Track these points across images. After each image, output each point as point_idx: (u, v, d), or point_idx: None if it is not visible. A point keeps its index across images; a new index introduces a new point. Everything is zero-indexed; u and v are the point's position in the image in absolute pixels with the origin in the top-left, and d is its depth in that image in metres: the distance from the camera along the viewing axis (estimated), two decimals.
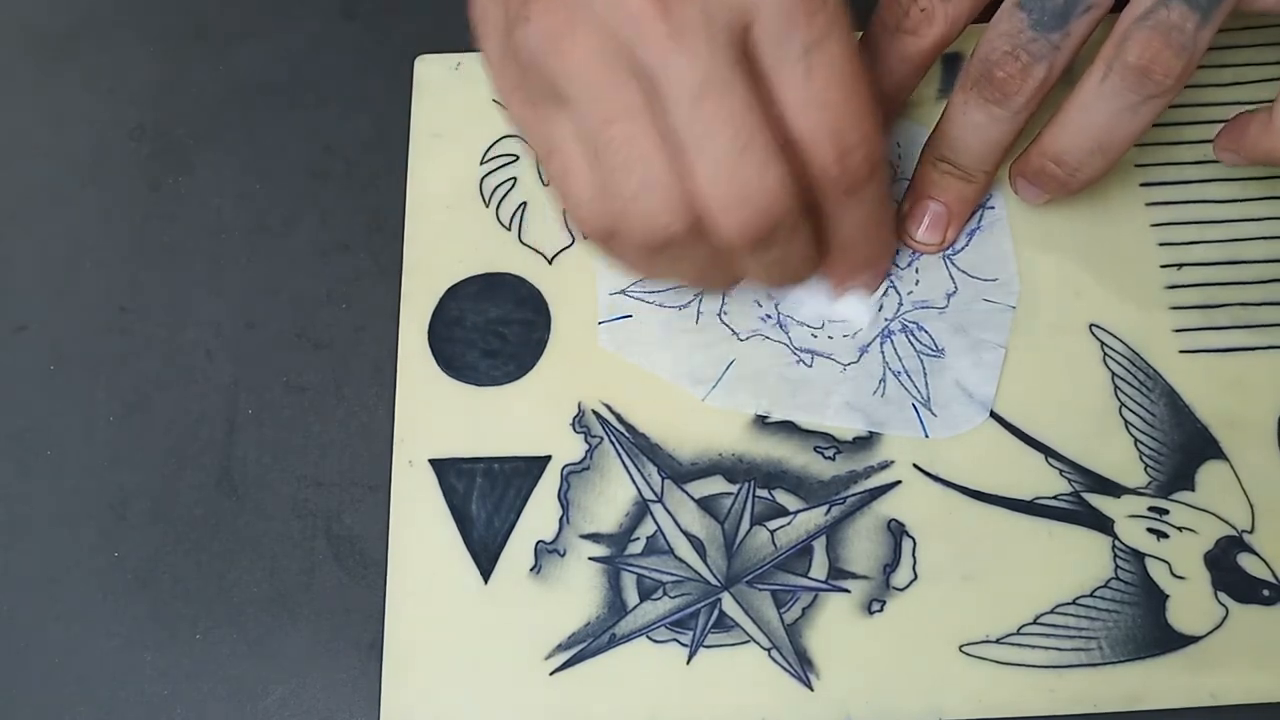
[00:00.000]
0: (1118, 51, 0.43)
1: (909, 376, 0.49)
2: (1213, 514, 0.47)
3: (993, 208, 0.52)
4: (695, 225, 0.41)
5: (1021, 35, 0.44)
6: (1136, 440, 0.48)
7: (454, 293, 0.52)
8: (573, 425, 0.49)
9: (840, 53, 0.40)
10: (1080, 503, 0.47)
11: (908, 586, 0.47)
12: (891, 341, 0.50)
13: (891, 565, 0.47)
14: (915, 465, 0.48)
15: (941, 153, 0.49)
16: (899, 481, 0.48)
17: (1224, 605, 0.46)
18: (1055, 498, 0.47)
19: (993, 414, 0.49)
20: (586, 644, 0.46)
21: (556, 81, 0.40)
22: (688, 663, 0.46)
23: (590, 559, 0.47)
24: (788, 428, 0.49)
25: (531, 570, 0.47)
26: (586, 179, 0.41)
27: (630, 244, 0.42)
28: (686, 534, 0.48)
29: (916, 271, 0.51)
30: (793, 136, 0.41)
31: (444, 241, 0.53)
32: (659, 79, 0.38)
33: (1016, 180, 0.49)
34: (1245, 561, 0.46)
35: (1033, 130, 0.47)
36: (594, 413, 0.49)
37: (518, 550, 0.48)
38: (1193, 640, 0.46)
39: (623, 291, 0.51)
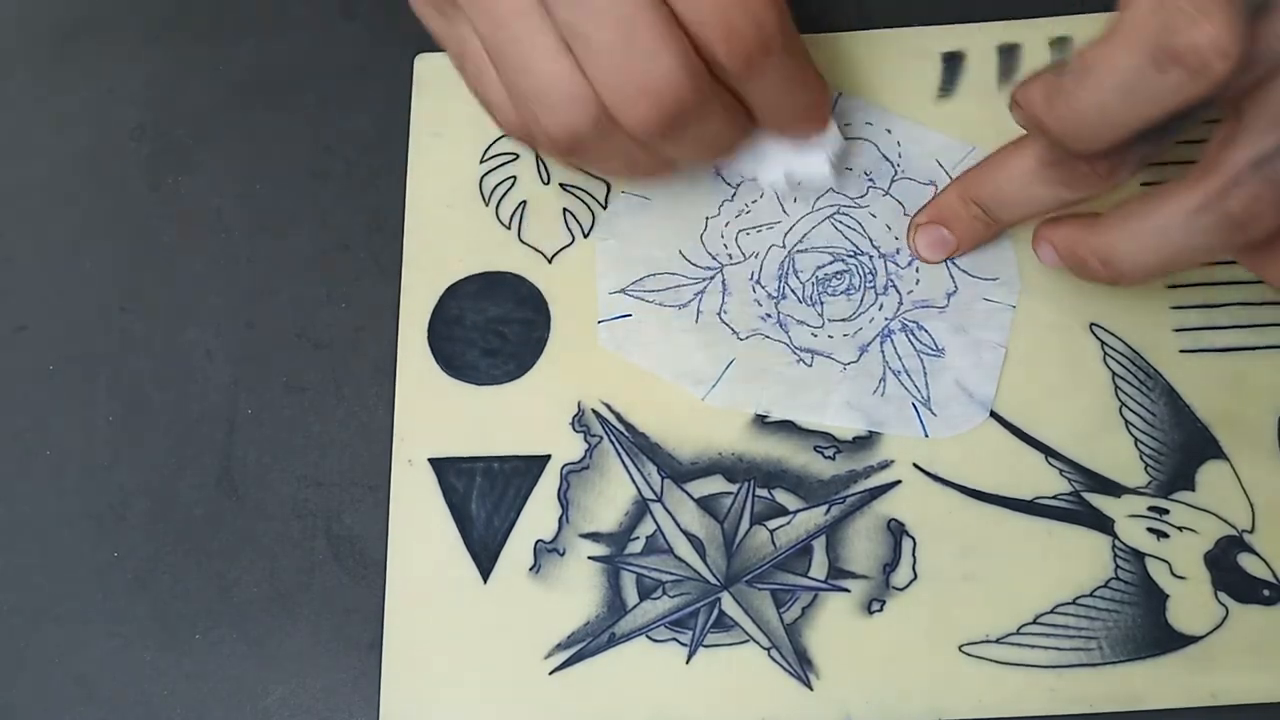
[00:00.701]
0: (1221, 195, 0.40)
1: (909, 376, 0.50)
2: (1213, 514, 0.47)
3: None
4: (602, 121, 0.42)
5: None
6: (1137, 440, 0.48)
7: (454, 291, 0.52)
8: (572, 424, 0.50)
9: None
10: (1080, 502, 0.48)
11: (907, 586, 0.47)
12: (891, 341, 0.50)
13: (891, 565, 0.47)
14: (915, 465, 0.48)
15: (980, 196, 0.48)
16: (899, 481, 0.48)
17: (1224, 605, 0.46)
18: (1055, 497, 0.48)
19: (993, 414, 0.49)
20: (586, 643, 0.47)
21: None
22: (687, 662, 0.47)
23: (590, 558, 0.48)
24: (787, 427, 0.49)
25: (531, 569, 0.48)
26: (495, 80, 0.43)
27: (546, 141, 0.43)
28: (686, 533, 0.48)
29: (916, 271, 0.51)
30: (685, 27, 0.40)
31: (444, 240, 0.53)
32: None
33: (1044, 245, 0.46)
34: (1245, 561, 0.47)
35: None
36: (593, 412, 0.50)
37: (517, 549, 0.48)
38: (1193, 640, 0.46)
39: (623, 290, 0.51)
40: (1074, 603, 0.46)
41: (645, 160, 0.46)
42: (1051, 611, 0.46)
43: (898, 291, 0.51)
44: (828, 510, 0.48)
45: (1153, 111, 0.39)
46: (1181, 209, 0.41)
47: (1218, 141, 0.41)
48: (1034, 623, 0.46)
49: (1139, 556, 0.47)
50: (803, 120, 0.48)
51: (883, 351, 0.50)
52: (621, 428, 0.49)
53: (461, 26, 0.43)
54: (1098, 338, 0.50)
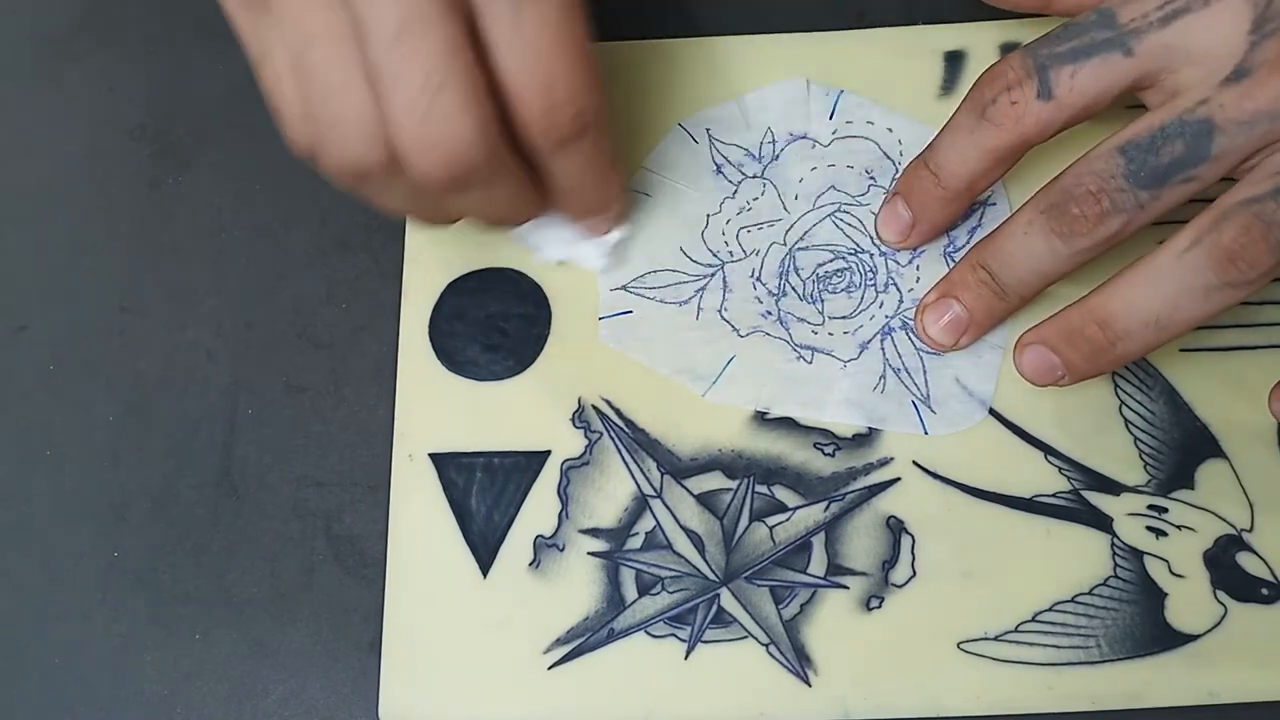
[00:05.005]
0: (1212, 227, 0.44)
1: (909, 373, 0.52)
2: (1212, 513, 0.49)
3: (994, 204, 0.54)
4: (391, 160, 0.41)
5: (1112, 181, 0.45)
6: (1136, 438, 0.50)
7: (455, 287, 0.54)
8: (572, 420, 0.51)
9: (555, 4, 0.40)
10: (1079, 500, 0.50)
11: (906, 583, 0.49)
12: (892, 338, 0.52)
13: (890, 562, 0.49)
14: (914, 462, 0.50)
15: (985, 260, 0.49)
16: (898, 478, 0.50)
17: (1223, 604, 0.48)
18: (1054, 495, 0.50)
19: (992, 411, 0.51)
20: (585, 638, 0.49)
21: None
22: (686, 658, 0.48)
23: (589, 554, 0.50)
24: (787, 424, 0.51)
25: (530, 565, 0.50)
26: (293, 95, 0.42)
27: (331, 169, 0.43)
28: (685, 529, 0.50)
29: (917, 269, 0.53)
30: (502, 87, 0.41)
31: (445, 236, 0.54)
32: (361, 8, 0.39)
33: (1029, 350, 0.49)
34: (1244, 560, 0.49)
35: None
36: (594, 408, 0.52)
37: (517, 545, 0.50)
38: (1191, 639, 0.48)
39: (623, 287, 0.53)
40: (1073, 601, 0.48)
41: (426, 208, 0.46)
42: (1050, 609, 0.48)
43: (898, 289, 0.53)
44: (827, 507, 0.50)
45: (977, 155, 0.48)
46: (1174, 249, 0.45)
47: (1219, 196, 0.45)
48: (1032, 620, 0.48)
49: (1138, 555, 0.49)
50: (596, 211, 0.50)
51: (883, 349, 0.52)
52: (621, 424, 0.51)
53: (269, 34, 0.42)
54: None
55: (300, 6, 0.40)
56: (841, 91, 0.56)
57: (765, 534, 0.50)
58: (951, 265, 0.53)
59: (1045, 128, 0.47)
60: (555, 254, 0.53)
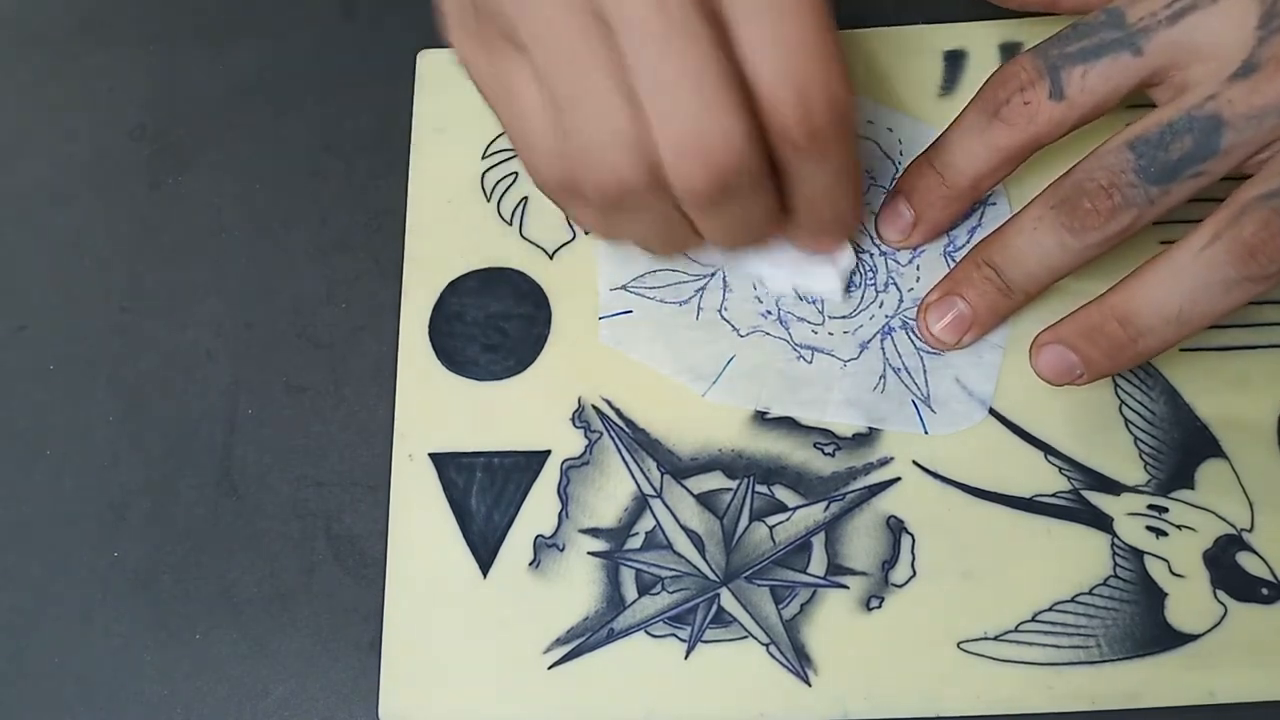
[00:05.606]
0: (1231, 223, 0.44)
1: (909, 373, 0.52)
2: (1212, 512, 0.49)
3: (994, 203, 0.54)
4: (654, 178, 0.41)
5: (1123, 176, 0.45)
6: (1136, 438, 0.50)
7: (455, 287, 0.54)
8: (572, 420, 0.52)
9: (808, 4, 0.39)
10: (1079, 500, 0.50)
11: (906, 583, 0.49)
12: (892, 338, 0.52)
13: (890, 562, 0.49)
14: (915, 462, 0.50)
15: (991, 257, 0.50)
16: (898, 478, 0.50)
17: (1223, 604, 0.48)
18: (1054, 495, 0.50)
19: (992, 411, 0.51)
20: (585, 638, 0.49)
21: (515, 25, 0.40)
22: (686, 658, 0.49)
23: (589, 554, 0.50)
24: (787, 424, 0.51)
25: (530, 565, 0.50)
26: (544, 128, 0.42)
27: (589, 196, 0.42)
28: (686, 529, 0.50)
29: (918, 269, 0.53)
30: (756, 90, 0.40)
31: (445, 236, 0.55)
32: (621, 24, 0.38)
33: (1046, 349, 0.49)
34: (1244, 560, 0.49)
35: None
36: (594, 408, 0.52)
37: (517, 544, 0.50)
38: (1191, 638, 0.48)
39: (623, 287, 0.53)
40: (1073, 600, 0.48)
41: (677, 233, 0.45)
42: (1050, 609, 0.48)
43: (898, 289, 0.53)
44: (827, 507, 0.50)
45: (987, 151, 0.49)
46: (1193, 245, 0.45)
47: (1233, 191, 0.45)
48: (1032, 620, 0.48)
49: (1138, 555, 0.49)
50: (841, 223, 0.49)
51: (883, 349, 0.52)
52: (622, 424, 0.51)
53: (515, 70, 0.42)
54: None
55: (555, 34, 0.39)
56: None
57: (765, 534, 0.50)
58: (952, 265, 0.53)
59: (1057, 127, 0.47)
60: (787, 282, 0.53)
